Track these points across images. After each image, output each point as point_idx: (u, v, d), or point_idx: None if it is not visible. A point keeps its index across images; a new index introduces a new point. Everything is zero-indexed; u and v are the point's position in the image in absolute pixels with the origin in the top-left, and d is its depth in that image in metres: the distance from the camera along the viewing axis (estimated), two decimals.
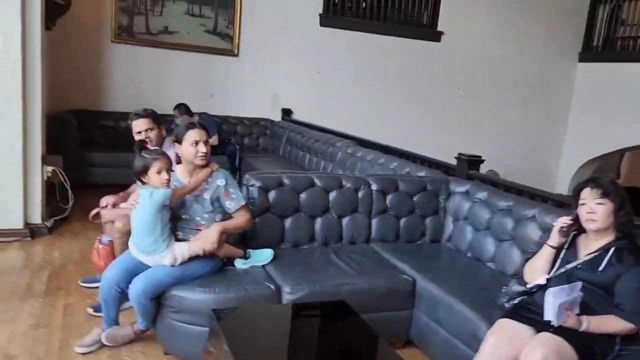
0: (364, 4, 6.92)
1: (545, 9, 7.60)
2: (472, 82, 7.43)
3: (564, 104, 8.03)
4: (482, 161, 3.54)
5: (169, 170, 2.31)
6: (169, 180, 2.28)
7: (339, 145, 4.88)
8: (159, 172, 2.25)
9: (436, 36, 7.14)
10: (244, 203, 2.56)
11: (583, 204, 2.11)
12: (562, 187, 8.23)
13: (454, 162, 3.78)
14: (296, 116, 6.54)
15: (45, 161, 3.93)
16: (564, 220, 2.19)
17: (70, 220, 4.28)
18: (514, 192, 3.13)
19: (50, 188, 4.17)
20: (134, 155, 2.37)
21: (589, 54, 7.92)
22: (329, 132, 5.53)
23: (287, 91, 6.52)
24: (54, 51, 5.07)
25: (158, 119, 3.04)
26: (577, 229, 2.18)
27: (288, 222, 2.96)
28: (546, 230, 2.59)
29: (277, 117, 6.53)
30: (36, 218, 3.93)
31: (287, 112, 6.55)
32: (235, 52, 6.19)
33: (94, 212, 2.95)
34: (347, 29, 6.68)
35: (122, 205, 2.92)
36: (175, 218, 2.44)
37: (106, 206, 2.93)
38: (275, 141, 6.24)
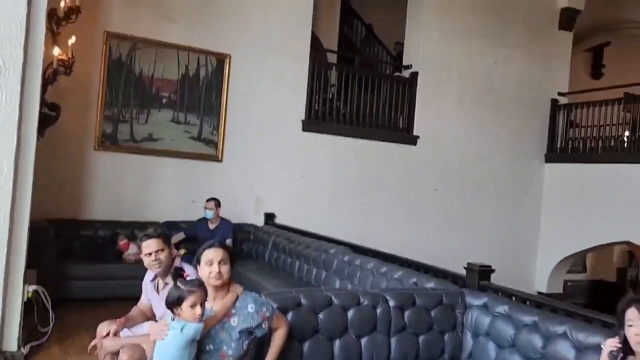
0: (343, 110, 7.18)
1: (512, 114, 8.08)
2: (448, 183, 7.63)
3: (535, 203, 8.31)
4: (493, 271, 3.49)
5: (204, 303, 2.13)
6: (202, 315, 2.10)
7: (334, 253, 4.78)
8: (192, 306, 2.07)
9: (412, 140, 7.39)
10: (277, 312, 2.47)
11: (631, 326, 2.05)
12: (540, 285, 8.29)
13: (448, 266, 3.76)
14: (279, 220, 6.45)
15: (26, 279, 3.63)
16: (613, 344, 2.12)
17: (48, 344, 3.89)
18: (532, 304, 3.07)
19: (27, 306, 3.82)
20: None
21: (553, 155, 8.36)
22: (319, 237, 5.45)
23: (270, 195, 6.48)
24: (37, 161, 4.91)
25: (169, 239, 2.88)
26: (625, 350, 2.11)
27: (306, 347, 2.76)
28: (581, 350, 2.51)
29: (260, 221, 6.42)
30: (12, 345, 3.55)
31: (269, 217, 6.46)
32: (220, 158, 6.18)
33: (93, 343, 2.68)
34: (328, 134, 6.84)
35: (125, 332, 2.68)
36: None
37: (107, 335, 2.66)
38: (260, 247, 6.07)
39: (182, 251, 4.82)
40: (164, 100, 5.88)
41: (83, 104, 5.51)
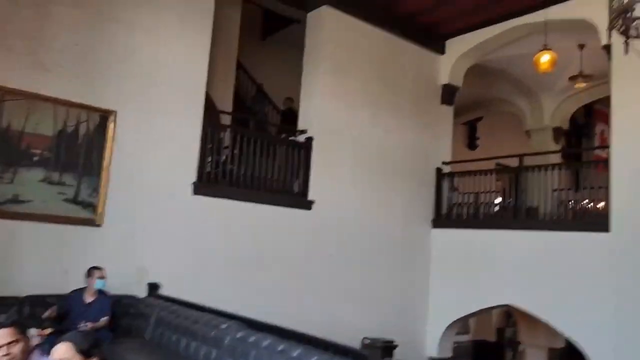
0: (237, 173, 6.94)
1: (403, 181, 8.36)
2: (343, 250, 7.59)
3: (424, 268, 8.52)
4: (395, 346, 3.35)
5: None
6: None
7: (225, 328, 4.37)
8: None
9: (307, 205, 7.30)
10: None
11: None
12: (430, 350, 8.37)
13: (346, 337, 3.58)
14: (165, 291, 5.89)
15: None
16: None
17: None
18: None
19: None
20: None
21: (440, 221, 8.71)
22: (209, 311, 5.00)
23: (156, 264, 5.94)
24: None
25: (24, 328, 2.38)
26: None
27: None
28: None
29: (142, 292, 5.81)
30: None
31: (154, 287, 5.88)
32: (98, 223, 5.58)
33: None
34: (221, 198, 6.53)
35: None
36: None
37: None
38: (141, 322, 5.44)
39: (47, 330, 4.16)
40: (35, 158, 5.25)
41: None
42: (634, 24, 3.38)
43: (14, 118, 5.14)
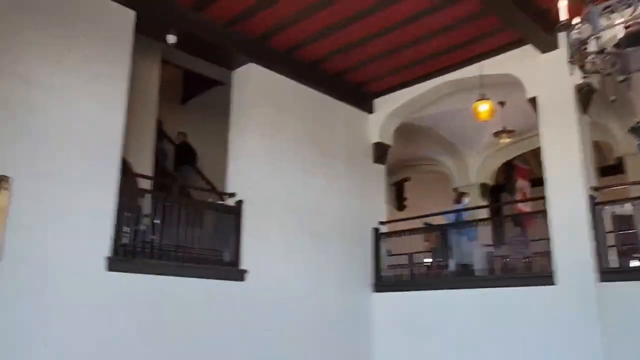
0: (159, 243, 6.15)
1: (338, 244, 7.89)
2: (279, 323, 6.86)
3: (366, 337, 7.92)
4: None
5: None
6: None
7: None
8: None
9: (240, 275, 6.59)
10: None
11: None
12: None
13: None
14: None
15: None
16: None
17: None
18: None
19: None
20: None
21: (380, 284, 8.24)
22: None
23: (61, 355, 4.93)
24: None
25: None
26: None
27: None
28: None
29: None
30: None
31: None
32: None
33: None
34: (141, 273, 5.69)
35: None
36: None
37: None
38: None
39: None
40: None
41: None
42: (589, 58, 3.23)
43: None
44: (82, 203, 5.35)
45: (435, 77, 8.19)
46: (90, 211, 5.39)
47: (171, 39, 6.62)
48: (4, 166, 4.86)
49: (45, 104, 5.27)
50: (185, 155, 9.27)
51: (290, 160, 7.53)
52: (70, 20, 5.59)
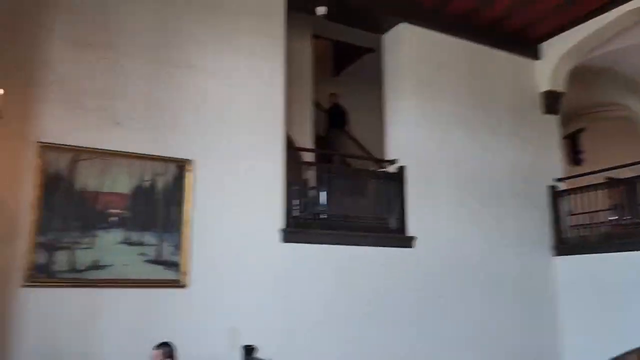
0: (326, 214, 6.28)
1: (510, 205, 7.32)
2: (453, 290, 6.62)
3: (549, 305, 7.29)
4: None
5: None
6: None
7: None
8: None
9: (407, 242, 6.46)
10: None
11: None
12: None
13: None
14: (263, 355, 5.23)
15: None
16: None
17: None
18: None
19: None
20: None
21: (562, 247, 7.50)
22: None
23: (248, 325, 5.31)
24: None
25: None
26: None
27: None
28: None
29: (236, 358, 5.17)
30: None
31: (249, 351, 5.23)
32: (183, 283, 5.07)
33: None
34: (312, 243, 5.86)
35: None
36: None
37: None
38: None
39: None
40: (114, 219, 4.88)
41: (8, 231, 4.44)
42: None
43: (89, 178, 4.83)
44: (255, 180, 5.64)
45: (614, 7, 7.07)
46: (262, 187, 5.67)
47: (321, 10, 6.63)
48: (187, 151, 5.30)
49: (215, 90, 5.61)
50: (337, 117, 9.36)
51: (451, 120, 7.13)
52: (227, 5, 5.86)
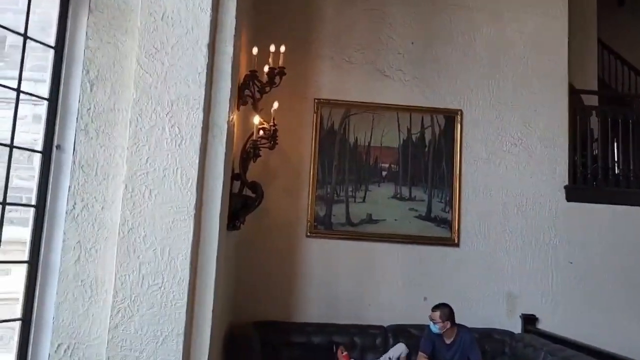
0: (618, 170, 5.24)
1: None
2: None
3: None
4: None
5: None
6: None
7: None
8: None
9: None
10: None
11: None
12: None
13: None
14: (543, 326, 4.65)
15: None
16: None
17: None
18: None
19: None
20: None
21: None
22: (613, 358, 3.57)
23: (526, 290, 4.77)
24: (238, 253, 4.23)
25: None
26: None
27: None
28: None
29: (515, 327, 4.70)
30: None
31: (529, 321, 4.71)
32: (455, 241, 4.77)
33: None
34: (602, 203, 4.94)
35: None
36: None
37: None
38: None
39: None
40: (384, 173, 4.82)
41: (291, 184, 4.74)
42: None
43: (360, 133, 4.83)
44: (532, 129, 4.95)
45: None
46: (540, 137, 4.96)
47: None
48: (455, 100, 4.92)
49: (485, 30, 5.05)
50: None
51: None
52: None
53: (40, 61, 2.93)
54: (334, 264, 4.70)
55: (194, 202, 2.47)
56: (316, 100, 4.81)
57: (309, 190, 4.74)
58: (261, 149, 3.78)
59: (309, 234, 4.69)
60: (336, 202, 4.77)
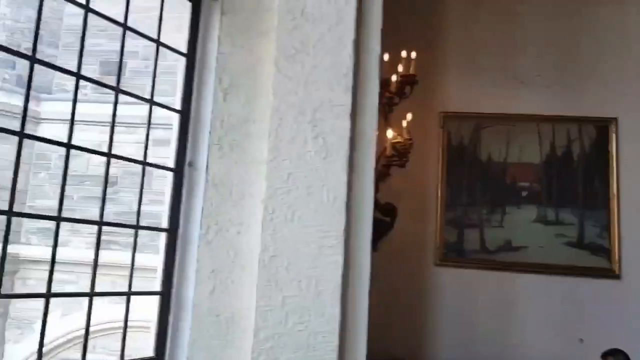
0: None
1: None
2: None
3: None
4: None
5: None
6: None
7: None
8: None
9: None
10: None
11: None
12: None
13: None
14: None
15: None
16: None
17: None
18: None
19: None
20: None
21: None
22: None
23: None
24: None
25: None
26: None
27: None
28: None
29: None
30: None
31: None
32: (616, 272, 4.04)
33: None
34: None
35: None
36: None
37: None
38: None
39: None
40: (524, 193, 4.22)
41: (416, 206, 4.27)
42: None
43: (493, 148, 4.29)
44: None
45: None
46: None
47: None
48: (607, 107, 4.24)
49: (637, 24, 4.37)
50: None
51: None
52: None
53: (164, 85, 2.73)
54: (468, 297, 4.13)
55: (343, 224, 2.09)
56: (442, 114, 4.34)
57: (436, 214, 4.24)
58: (391, 165, 3.38)
59: (438, 262, 4.18)
60: (468, 227, 4.22)
